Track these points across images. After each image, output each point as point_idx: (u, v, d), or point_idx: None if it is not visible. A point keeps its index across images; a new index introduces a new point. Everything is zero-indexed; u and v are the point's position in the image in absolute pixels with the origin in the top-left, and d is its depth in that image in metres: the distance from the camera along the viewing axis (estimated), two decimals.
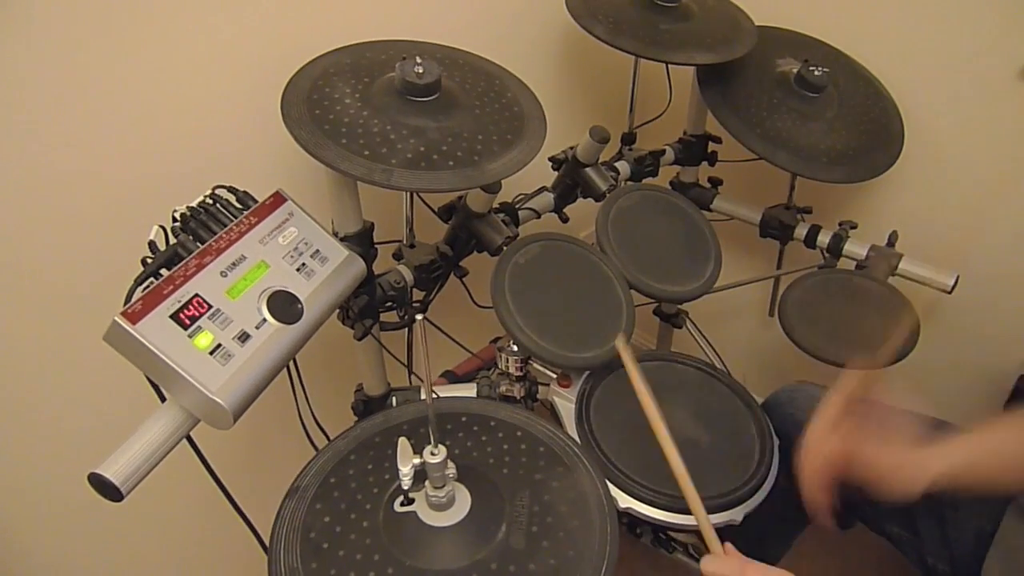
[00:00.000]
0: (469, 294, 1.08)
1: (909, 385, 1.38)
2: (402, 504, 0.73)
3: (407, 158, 0.77)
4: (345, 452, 0.80)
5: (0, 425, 0.89)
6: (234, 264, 0.70)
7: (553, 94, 1.16)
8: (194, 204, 0.72)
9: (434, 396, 0.94)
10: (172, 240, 0.70)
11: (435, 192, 0.89)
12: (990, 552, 0.80)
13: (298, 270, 0.75)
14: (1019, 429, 0.74)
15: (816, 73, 1.15)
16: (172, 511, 1.10)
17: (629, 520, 0.91)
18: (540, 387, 1.03)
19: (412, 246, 1.01)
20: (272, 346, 0.69)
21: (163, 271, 0.66)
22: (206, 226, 0.71)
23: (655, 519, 0.83)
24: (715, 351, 1.44)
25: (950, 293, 1.15)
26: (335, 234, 0.86)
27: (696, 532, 0.75)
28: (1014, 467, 0.72)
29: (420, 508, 0.72)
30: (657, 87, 1.37)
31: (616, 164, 1.24)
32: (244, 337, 0.67)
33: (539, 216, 1.14)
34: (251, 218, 0.74)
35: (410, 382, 1.09)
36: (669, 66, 1.34)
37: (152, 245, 0.68)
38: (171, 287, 0.64)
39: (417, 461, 0.69)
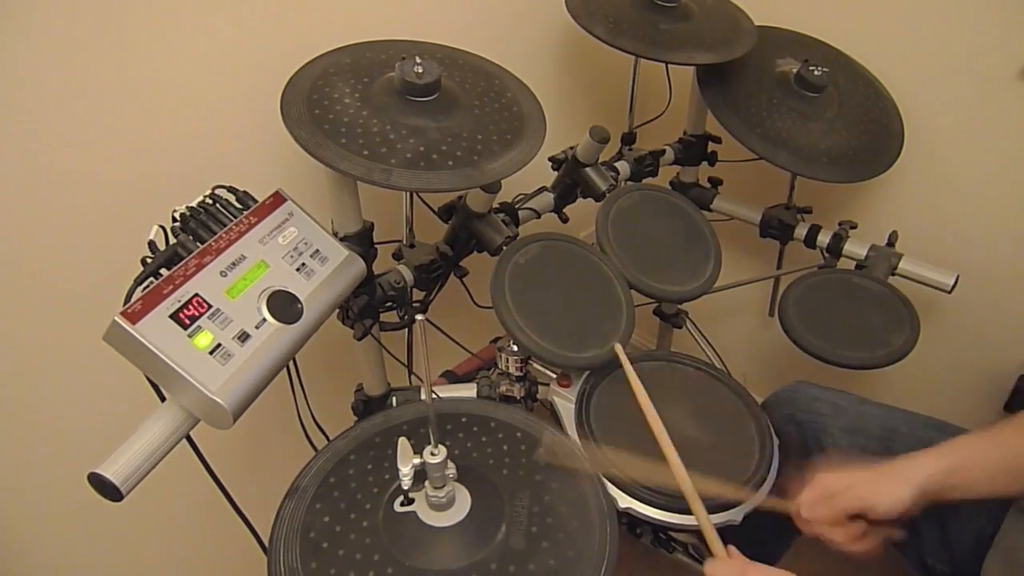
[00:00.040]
0: (469, 294, 1.08)
1: (909, 385, 1.40)
2: (402, 504, 0.73)
3: (407, 158, 0.77)
4: (345, 452, 0.80)
5: (0, 425, 0.89)
6: (234, 264, 0.70)
7: (553, 94, 1.16)
8: (194, 204, 0.72)
9: (434, 396, 0.94)
10: (172, 240, 0.70)
11: (435, 192, 0.89)
12: (990, 553, 0.80)
13: (298, 270, 0.75)
14: (1001, 437, 0.74)
15: (816, 73, 1.15)
16: (172, 511, 1.10)
17: (629, 520, 0.91)
18: (540, 387, 1.03)
19: (412, 246, 1.01)
20: (272, 346, 0.69)
21: (163, 271, 0.66)
22: (206, 226, 0.71)
23: (655, 519, 0.82)
24: (715, 351, 1.44)
25: (950, 293, 1.15)
26: (335, 234, 0.86)
27: (696, 532, 0.75)
28: (996, 476, 0.72)
29: (420, 508, 0.72)
30: (657, 87, 1.37)
31: (616, 164, 1.24)
32: (244, 337, 0.67)
33: (539, 216, 1.14)
34: (251, 218, 0.74)
35: (410, 382, 1.09)
36: (669, 66, 1.33)
37: (152, 245, 0.68)
38: (171, 287, 0.65)
39: (417, 461, 0.69)
